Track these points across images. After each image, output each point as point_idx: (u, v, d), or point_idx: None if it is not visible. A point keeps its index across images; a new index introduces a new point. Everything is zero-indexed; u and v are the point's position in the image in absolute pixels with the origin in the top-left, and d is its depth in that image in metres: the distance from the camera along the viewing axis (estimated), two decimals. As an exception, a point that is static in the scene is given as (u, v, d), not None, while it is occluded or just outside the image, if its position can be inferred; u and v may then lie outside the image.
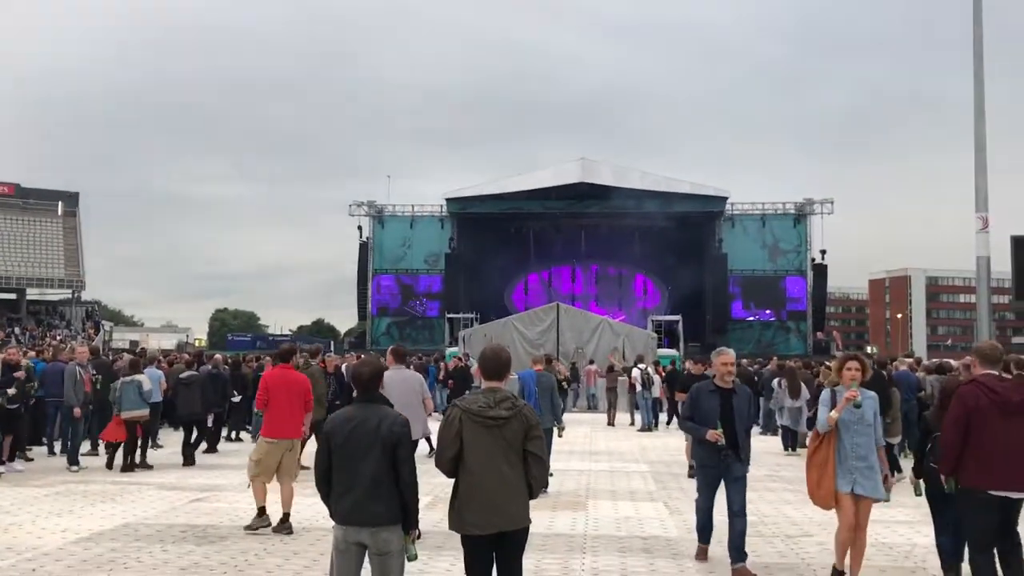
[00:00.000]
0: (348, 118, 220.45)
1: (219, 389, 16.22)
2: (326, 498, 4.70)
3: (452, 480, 4.64)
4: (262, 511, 8.54)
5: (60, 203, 64.51)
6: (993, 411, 5.38)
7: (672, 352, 30.66)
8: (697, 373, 13.68)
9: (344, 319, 77.12)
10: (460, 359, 25.59)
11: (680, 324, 38.25)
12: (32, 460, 13.83)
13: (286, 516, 8.53)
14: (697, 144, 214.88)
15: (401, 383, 8.50)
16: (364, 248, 55.77)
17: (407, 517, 4.56)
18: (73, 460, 12.97)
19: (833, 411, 6.45)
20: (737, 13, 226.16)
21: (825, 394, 6.71)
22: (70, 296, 61.13)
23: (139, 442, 13.29)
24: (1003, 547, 5.58)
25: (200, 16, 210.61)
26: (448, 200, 55.17)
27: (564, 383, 24.43)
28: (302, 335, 78.81)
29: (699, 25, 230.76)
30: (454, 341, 35.60)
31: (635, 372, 21.58)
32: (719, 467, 7.16)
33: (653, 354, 26.68)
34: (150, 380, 13.87)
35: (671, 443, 18.00)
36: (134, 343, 64.86)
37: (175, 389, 15.13)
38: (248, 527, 8.57)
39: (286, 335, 74.68)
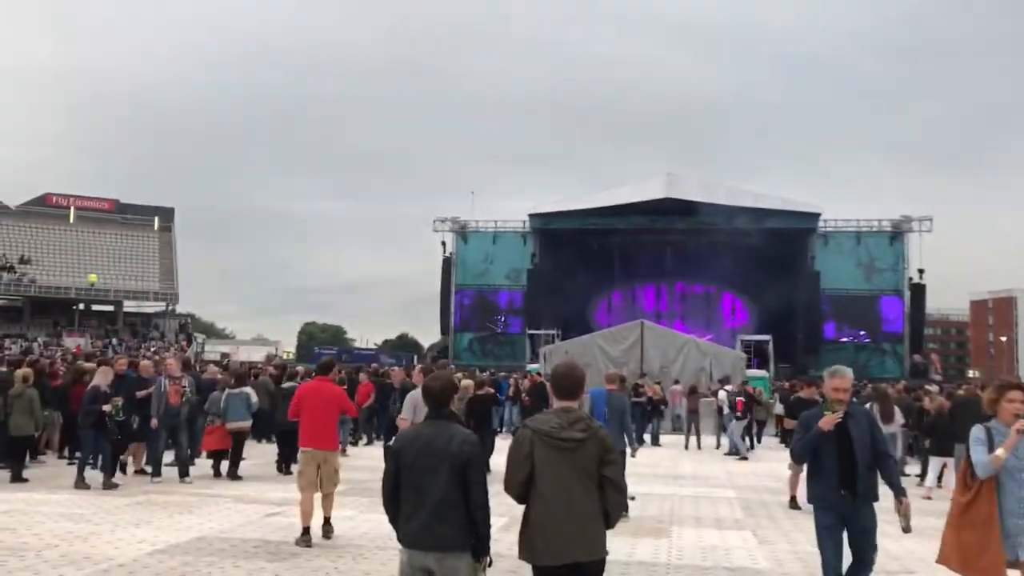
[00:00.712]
0: (433, 135, 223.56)
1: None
2: (393, 520, 4.45)
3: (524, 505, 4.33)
4: (306, 531, 8.58)
5: (156, 218, 66.79)
6: None
7: (762, 373, 29.66)
8: (808, 397, 12.95)
9: (428, 334, 77.66)
10: (537, 375, 25.25)
11: (770, 344, 37.07)
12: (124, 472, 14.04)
13: (327, 520, 8.85)
14: (790, 160, 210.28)
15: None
16: (447, 263, 56.09)
17: (478, 542, 4.26)
18: (156, 471, 13.06)
19: (1000, 450, 5.07)
20: (830, 23, 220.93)
21: (978, 431, 5.32)
22: (164, 309, 63.14)
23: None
24: None
25: (294, 33, 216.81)
26: (531, 216, 55.09)
27: (661, 404, 23.89)
28: (386, 349, 79.63)
29: (791, 38, 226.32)
30: (535, 357, 35.32)
31: (721, 394, 20.84)
32: (842, 509, 5.67)
33: (742, 375, 25.80)
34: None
35: (759, 468, 17.29)
36: (225, 355, 66.54)
37: (273, 400, 15.73)
38: (296, 541, 8.59)
39: (370, 349, 75.56)
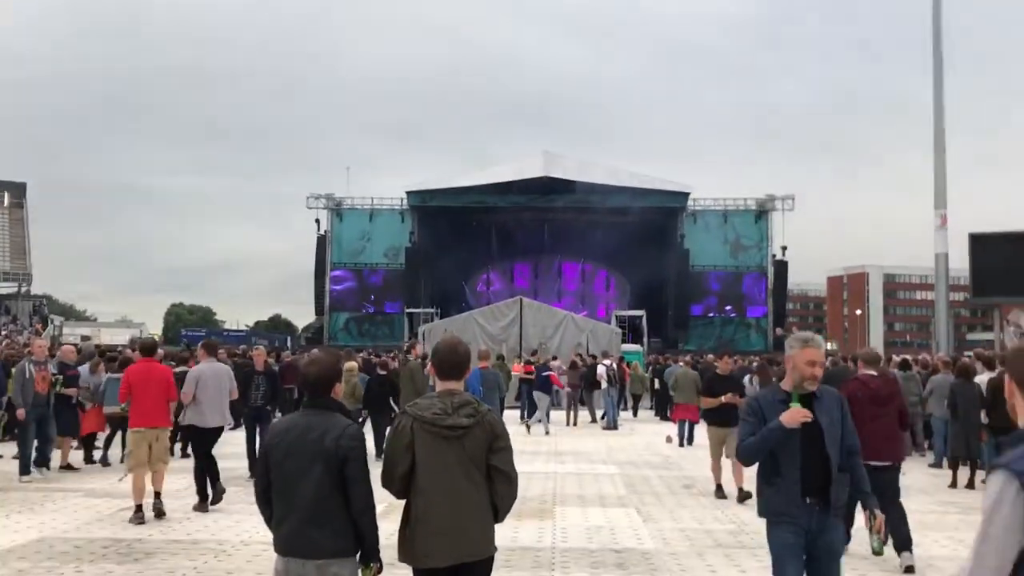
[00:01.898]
0: (306, 110, 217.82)
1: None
2: (268, 522, 3.88)
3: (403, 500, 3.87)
4: (139, 508, 8.80)
5: (6, 193, 62.35)
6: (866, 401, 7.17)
7: (636, 348, 30.07)
8: (725, 372, 11.74)
9: (302, 315, 75.57)
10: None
11: (644, 320, 37.71)
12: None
13: (157, 495, 9.03)
14: (661, 141, 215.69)
15: (213, 376, 9.60)
16: (322, 241, 54.52)
17: (364, 548, 3.74)
18: (24, 469, 11.54)
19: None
20: (699, 9, 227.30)
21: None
22: (16, 290, 59.13)
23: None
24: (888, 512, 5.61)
25: (154, 5, 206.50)
26: (409, 193, 54.18)
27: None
28: (258, 330, 77.17)
29: (661, 20, 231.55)
30: (414, 336, 34.73)
31: (600, 368, 20.90)
32: (807, 522, 4.26)
33: (617, 350, 26.07)
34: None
35: (638, 443, 17.39)
36: (86, 338, 62.89)
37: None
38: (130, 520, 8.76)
39: (241, 330, 73.03)
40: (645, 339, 35.51)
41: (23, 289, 59.47)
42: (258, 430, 11.71)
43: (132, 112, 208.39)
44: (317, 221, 54.76)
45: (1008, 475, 2.03)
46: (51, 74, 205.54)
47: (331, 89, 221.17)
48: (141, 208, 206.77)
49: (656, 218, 52.40)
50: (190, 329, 66.77)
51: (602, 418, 21.02)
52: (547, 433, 18.42)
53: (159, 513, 8.92)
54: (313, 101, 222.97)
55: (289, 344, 53.88)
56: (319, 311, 56.15)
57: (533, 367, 20.79)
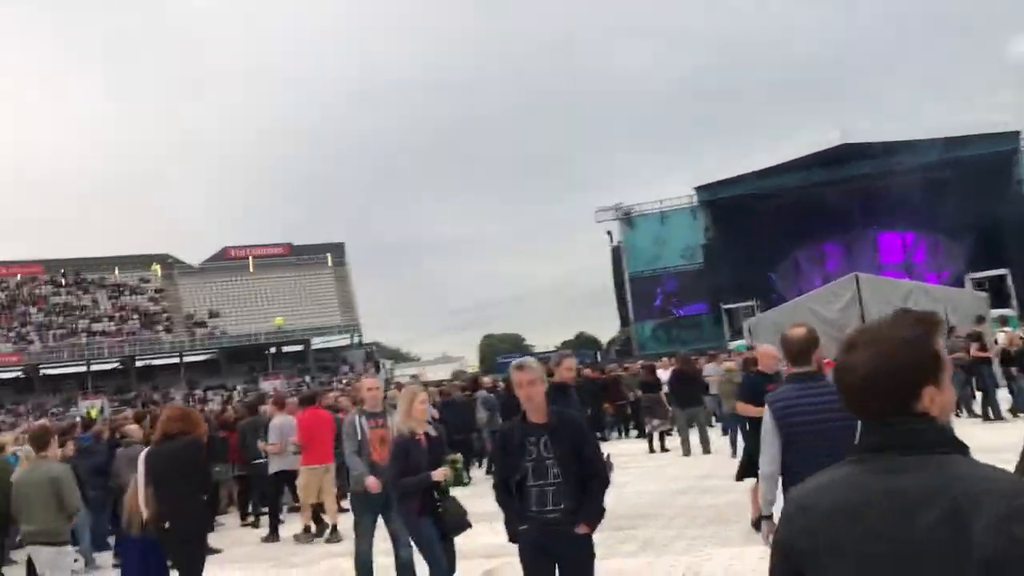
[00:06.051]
0: (572, 131, 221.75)
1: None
2: None
3: None
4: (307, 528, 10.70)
5: (329, 255, 68.54)
6: None
7: (1009, 312, 25.97)
8: None
9: (606, 328, 75.84)
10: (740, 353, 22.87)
11: (1008, 278, 32.80)
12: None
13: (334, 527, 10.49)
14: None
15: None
16: (617, 252, 54.28)
17: None
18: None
19: None
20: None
21: None
22: (350, 341, 64.56)
23: None
24: None
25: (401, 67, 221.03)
26: (698, 189, 52.45)
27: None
28: (566, 349, 78.42)
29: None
30: (736, 334, 32.88)
31: (1000, 337, 17.40)
32: None
33: (988, 317, 22.46)
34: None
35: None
36: (413, 377, 67.44)
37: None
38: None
39: (551, 351, 74.60)
40: (1014, 301, 30.80)
41: (355, 339, 64.80)
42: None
43: (412, 164, 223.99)
44: (609, 233, 54.65)
45: None
46: (348, 145, 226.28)
47: (594, 105, 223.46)
48: (436, 254, 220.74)
49: (981, 167, 46.19)
50: (505, 356, 69.30)
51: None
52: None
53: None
54: (577, 121, 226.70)
55: (599, 358, 53.93)
56: (624, 322, 55.83)
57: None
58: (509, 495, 4.59)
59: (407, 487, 5.95)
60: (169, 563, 6.44)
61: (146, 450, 6.73)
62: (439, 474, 5.89)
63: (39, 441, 7.18)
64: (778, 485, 4.50)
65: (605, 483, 4.68)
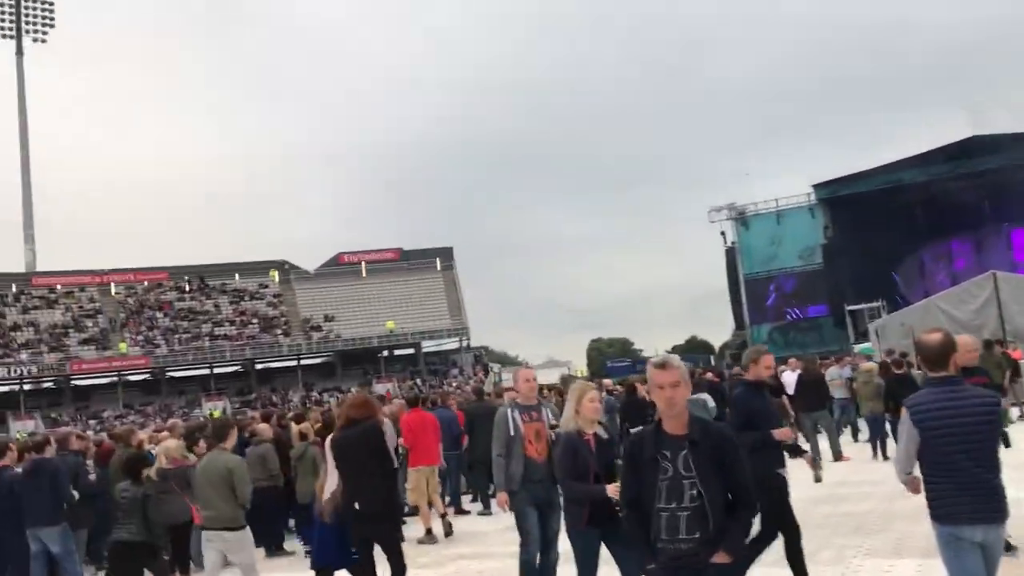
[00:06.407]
0: (686, 128, 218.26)
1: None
2: None
3: None
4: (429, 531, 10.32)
5: (438, 259, 69.35)
6: None
7: None
8: None
9: (718, 332, 74.21)
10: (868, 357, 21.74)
11: None
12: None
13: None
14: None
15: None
16: (731, 254, 52.92)
17: None
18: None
19: None
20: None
21: None
22: (459, 344, 65.16)
23: None
24: None
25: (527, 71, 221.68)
26: (816, 187, 50.58)
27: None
28: (678, 354, 77.09)
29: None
30: (860, 336, 31.49)
31: None
32: None
33: None
34: None
35: None
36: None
37: None
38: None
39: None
40: None
41: (464, 343, 65.35)
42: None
43: (522, 169, 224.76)
44: (723, 234, 53.39)
45: None
46: (448, 141, 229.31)
47: (709, 103, 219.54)
48: (543, 256, 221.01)
49: None
50: (614, 361, 68.62)
51: None
52: None
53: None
54: (690, 118, 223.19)
55: (712, 363, 52.76)
56: (739, 326, 54.46)
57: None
58: (642, 521, 3.92)
59: (575, 492, 5.49)
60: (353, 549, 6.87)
61: (330, 437, 7.24)
62: (613, 490, 5.18)
63: (219, 433, 7.58)
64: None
65: (754, 512, 4.04)
